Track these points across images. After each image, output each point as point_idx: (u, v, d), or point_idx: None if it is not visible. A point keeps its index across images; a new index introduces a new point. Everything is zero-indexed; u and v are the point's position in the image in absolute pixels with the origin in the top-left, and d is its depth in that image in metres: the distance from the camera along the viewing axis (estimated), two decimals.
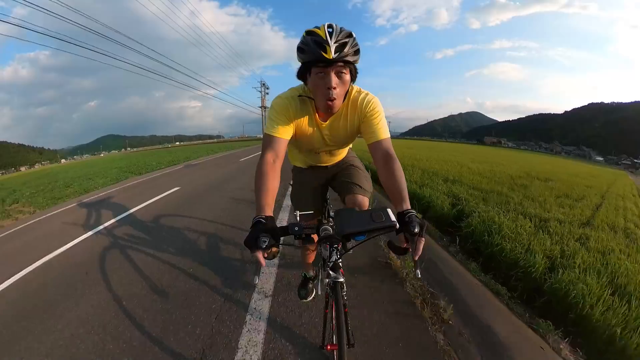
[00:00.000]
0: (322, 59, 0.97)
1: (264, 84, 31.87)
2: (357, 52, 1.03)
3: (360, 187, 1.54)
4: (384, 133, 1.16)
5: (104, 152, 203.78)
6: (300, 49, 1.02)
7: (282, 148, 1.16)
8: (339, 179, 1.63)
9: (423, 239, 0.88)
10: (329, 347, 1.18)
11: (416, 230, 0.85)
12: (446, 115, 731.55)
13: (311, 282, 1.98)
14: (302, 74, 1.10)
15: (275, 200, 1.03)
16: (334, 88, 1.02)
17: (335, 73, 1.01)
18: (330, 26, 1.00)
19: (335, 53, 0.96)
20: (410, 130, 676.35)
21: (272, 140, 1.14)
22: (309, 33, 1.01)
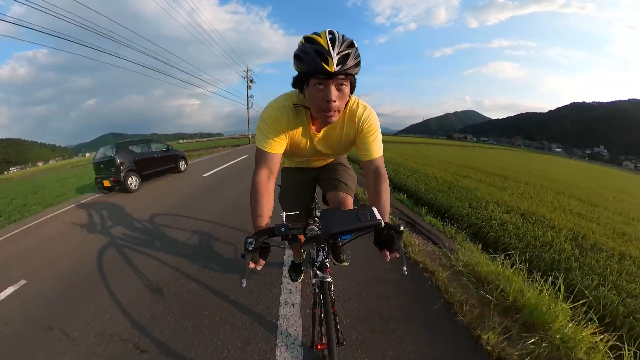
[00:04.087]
0: (323, 70, 0.89)
1: (248, 70, 32.60)
2: (358, 64, 0.95)
3: (345, 184, 1.49)
4: (378, 152, 1.15)
5: None
6: (298, 57, 0.93)
7: (276, 163, 1.12)
8: (324, 176, 1.58)
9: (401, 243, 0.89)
10: (318, 346, 1.16)
11: (401, 228, 0.86)
12: (442, 114, 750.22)
13: (301, 266, 2.07)
14: (298, 83, 1.01)
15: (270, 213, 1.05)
16: (334, 101, 0.95)
17: (335, 85, 0.94)
18: (331, 33, 0.91)
19: (337, 65, 0.88)
20: (406, 128, 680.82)
21: (265, 156, 1.11)
22: (308, 40, 0.92)
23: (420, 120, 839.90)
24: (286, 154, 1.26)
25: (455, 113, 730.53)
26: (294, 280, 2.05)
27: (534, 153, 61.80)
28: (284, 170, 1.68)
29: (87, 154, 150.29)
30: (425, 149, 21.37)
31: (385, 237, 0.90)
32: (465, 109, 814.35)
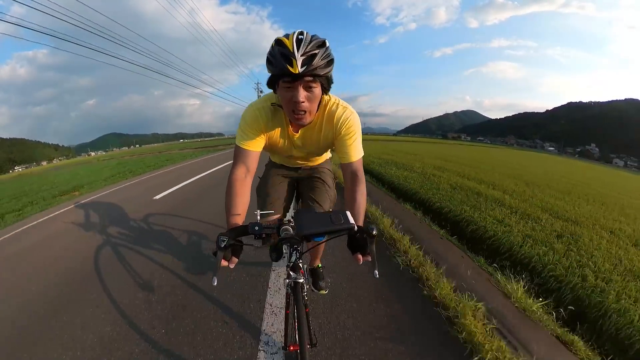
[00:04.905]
0: (287, 72, 0.89)
1: (258, 83, 39.30)
2: (329, 63, 0.94)
3: (320, 205, 1.50)
4: (356, 155, 1.14)
5: (115, 148, 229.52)
6: (268, 60, 0.94)
7: (253, 161, 1.13)
8: (304, 189, 1.58)
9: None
10: (291, 347, 1.14)
11: (374, 232, 0.85)
12: (442, 114, 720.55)
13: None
14: (272, 84, 1.01)
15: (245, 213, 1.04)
16: (302, 102, 0.96)
17: (303, 87, 0.94)
18: (301, 33, 0.91)
19: (302, 67, 0.88)
20: (405, 128, 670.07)
21: (243, 153, 1.12)
22: (277, 42, 0.91)
23: (420, 120, 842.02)
24: (267, 150, 1.32)
25: (455, 113, 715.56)
26: (274, 260, 1.96)
27: (514, 150, 65.68)
28: (268, 163, 1.69)
29: (92, 153, 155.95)
30: (393, 145, 25.74)
31: (359, 241, 0.89)
32: (465, 109, 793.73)
